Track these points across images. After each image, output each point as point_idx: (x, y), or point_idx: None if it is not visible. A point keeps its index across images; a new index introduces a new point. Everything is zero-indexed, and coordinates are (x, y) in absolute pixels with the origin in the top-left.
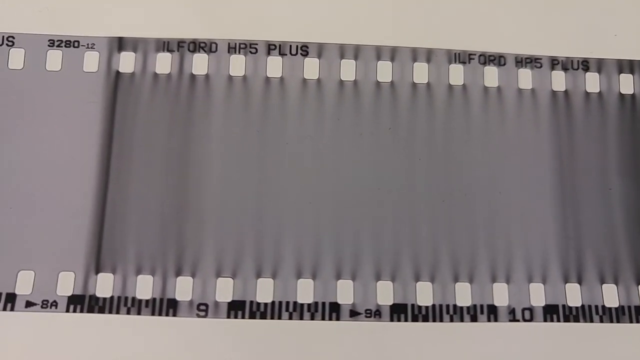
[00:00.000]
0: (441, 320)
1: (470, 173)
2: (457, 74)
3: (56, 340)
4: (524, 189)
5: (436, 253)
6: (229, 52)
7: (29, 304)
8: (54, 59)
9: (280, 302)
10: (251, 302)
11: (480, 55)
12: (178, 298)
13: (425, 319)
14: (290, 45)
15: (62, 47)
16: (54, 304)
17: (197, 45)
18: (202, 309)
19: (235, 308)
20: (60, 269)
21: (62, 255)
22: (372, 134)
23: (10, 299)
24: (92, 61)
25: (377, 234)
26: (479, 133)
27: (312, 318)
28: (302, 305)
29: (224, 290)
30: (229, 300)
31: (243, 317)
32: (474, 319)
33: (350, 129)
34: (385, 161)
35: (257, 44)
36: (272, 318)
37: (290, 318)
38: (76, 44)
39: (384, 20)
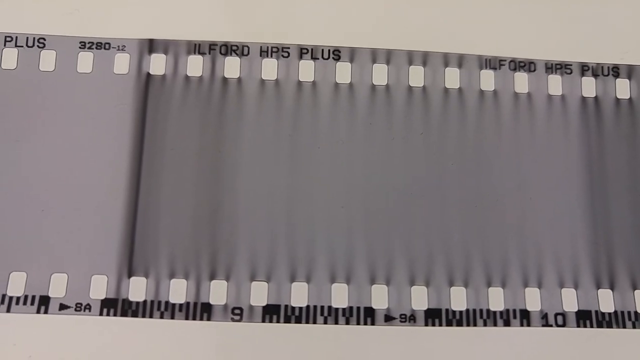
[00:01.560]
0: (475, 325)
1: (501, 178)
2: (488, 80)
3: (90, 343)
4: (555, 195)
5: (469, 258)
6: (261, 55)
7: (62, 307)
8: (85, 60)
9: (315, 307)
10: (286, 306)
11: (510, 61)
12: (212, 302)
13: (460, 323)
14: (322, 50)
15: (92, 49)
16: (88, 307)
17: (228, 49)
18: (237, 312)
19: (270, 312)
20: (93, 272)
21: (94, 258)
22: (404, 139)
23: (44, 301)
24: (122, 63)
25: (410, 238)
26: (510, 139)
27: (347, 323)
28: (336, 309)
29: (259, 294)
30: (264, 304)
31: (278, 322)
32: (507, 323)
33: (382, 133)
34: (417, 166)
35: (289, 48)
36: (307, 322)
37: (325, 322)
38: (107, 46)
39: (415, 25)
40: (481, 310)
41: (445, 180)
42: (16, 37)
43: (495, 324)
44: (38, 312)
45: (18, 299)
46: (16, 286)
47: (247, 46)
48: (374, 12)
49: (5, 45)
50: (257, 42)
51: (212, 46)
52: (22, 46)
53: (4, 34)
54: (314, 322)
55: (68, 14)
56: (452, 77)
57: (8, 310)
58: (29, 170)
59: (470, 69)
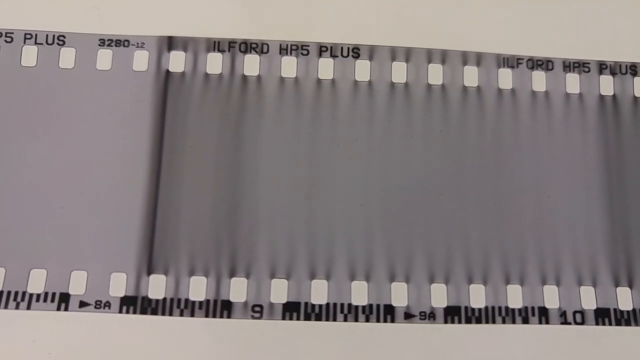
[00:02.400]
0: (494, 322)
1: (519, 176)
2: (505, 78)
3: (109, 341)
4: (572, 193)
5: (487, 255)
6: (280, 53)
7: (82, 304)
8: (104, 58)
9: (334, 304)
10: (306, 303)
11: (528, 60)
12: (232, 299)
13: (479, 320)
14: (342, 47)
15: (112, 46)
16: (107, 304)
17: (248, 46)
18: (257, 310)
19: (290, 309)
20: (113, 269)
21: (114, 256)
22: (423, 137)
23: (64, 298)
24: (141, 60)
25: (429, 236)
26: (528, 137)
27: (367, 320)
28: (356, 307)
29: (279, 292)
30: (284, 301)
31: (298, 319)
32: (525, 321)
33: (401, 131)
34: (436, 164)
35: (308, 46)
36: (327, 320)
37: (345, 320)
38: (126, 43)
39: (434, 23)
40: (500, 308)
41: (464, 178)
42: (36, 35)
43: (513, 322)
44: (58, 309)
45: (38, 296)
46: (36, 283)
47: (267, 44)
48: (393, 10)
49: (25, 42)
50: (277, 39)
51: (231, 44)
52: (42, 43)
53: (23, 31)
54: (334, 320)
55: (87, 11)
56: (471, 76)
57: (28, 308)
58: (49, 168)
59: (488, 68)
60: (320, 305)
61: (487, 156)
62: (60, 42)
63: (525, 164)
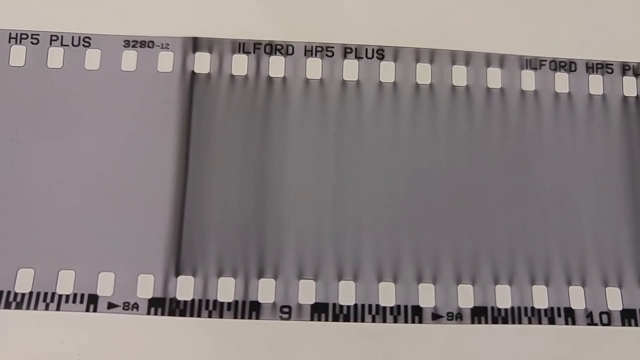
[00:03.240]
0: (520, 323)
1: (543, 177)
2: (529, 80)
3: (137, 342)
4: (597, 194)
5: (513, 256)
6: (305, 55)
7: (110, 306)
8: (129, 59)
9: (362, 305)
10: (334, 304)
11: (551, 62)
12: (261, 300)
13: (505, 321)
14: (367, 49)
15: (137, 47)
16: (135, 306)
17: (273, 48)
18: (286, 311)
19: (319, 310)
20: (140, 271)
21: (141, 257)
22: (448, 138)
23: (93, 300)
24: (166, 61)
25: (455, 237)
26: (551, 138)
27: (395, 321)
28: (384, 308)
29: (307, 293)
30: (312, 302)
31: (326, 320)
32: (551, 321)
33: (426, 132)
34: (461, 165)
35: (333, 47)
36: (355, 321)
37: (374, 321)
38: (151, 44)
39: (459, 25)
40: (526, 308)
41: (489, 179)
42: (62, 37)
43: (540, 322)
44: (87, 310)
45: (67, 297)
46: (65, 285)
47: (292, 45)
48: (417, 12)
49: (51, 44)
50: (302, 41)
51: (256, 45)
52: (67, 45)
53: (49, 33)
54: (362, 321)
55: (112, 12)
56: (494, 77)
57: (57, 309)
58: (76, 169)
59: (511, 69)
60: (348, 306)
61: (512, 157)
62: (86, 44)
63: (549, 165)
